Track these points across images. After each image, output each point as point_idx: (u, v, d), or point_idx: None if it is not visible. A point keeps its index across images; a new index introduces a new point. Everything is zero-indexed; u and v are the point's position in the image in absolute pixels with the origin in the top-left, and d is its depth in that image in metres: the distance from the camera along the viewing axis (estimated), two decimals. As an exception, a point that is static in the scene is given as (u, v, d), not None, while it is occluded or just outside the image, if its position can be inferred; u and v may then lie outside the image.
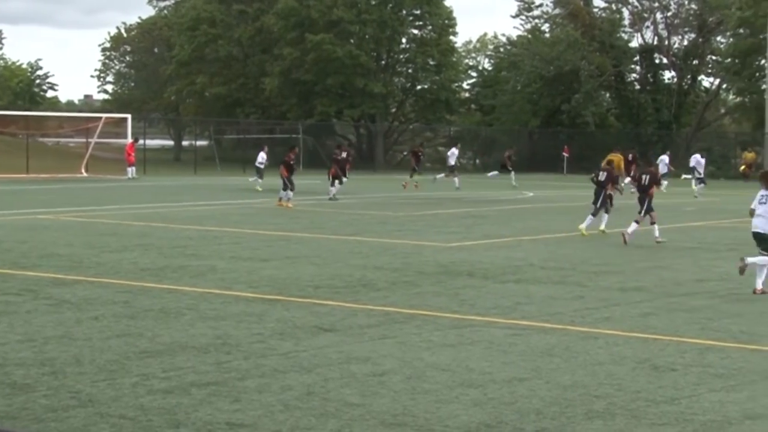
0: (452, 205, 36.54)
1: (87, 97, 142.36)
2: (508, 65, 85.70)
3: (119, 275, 16.64)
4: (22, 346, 11.06)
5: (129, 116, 61.50)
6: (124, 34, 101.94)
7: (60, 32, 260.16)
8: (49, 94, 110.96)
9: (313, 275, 17.00)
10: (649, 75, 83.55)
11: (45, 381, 9.56)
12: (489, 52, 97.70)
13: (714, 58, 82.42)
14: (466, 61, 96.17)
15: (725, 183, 60.23)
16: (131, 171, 53.59)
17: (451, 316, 13.46)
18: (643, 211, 23.65)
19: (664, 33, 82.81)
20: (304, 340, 11.72)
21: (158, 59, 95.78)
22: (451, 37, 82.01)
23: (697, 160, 47.17)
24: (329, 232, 25.07)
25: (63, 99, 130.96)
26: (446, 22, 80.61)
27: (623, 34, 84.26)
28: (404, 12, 79.20)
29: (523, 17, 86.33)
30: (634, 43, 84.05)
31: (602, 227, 25.41)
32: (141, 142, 60.33)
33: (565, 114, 78.72)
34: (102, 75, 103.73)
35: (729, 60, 76.63)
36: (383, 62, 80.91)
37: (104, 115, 66.03)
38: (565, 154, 72.86)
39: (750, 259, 16.00)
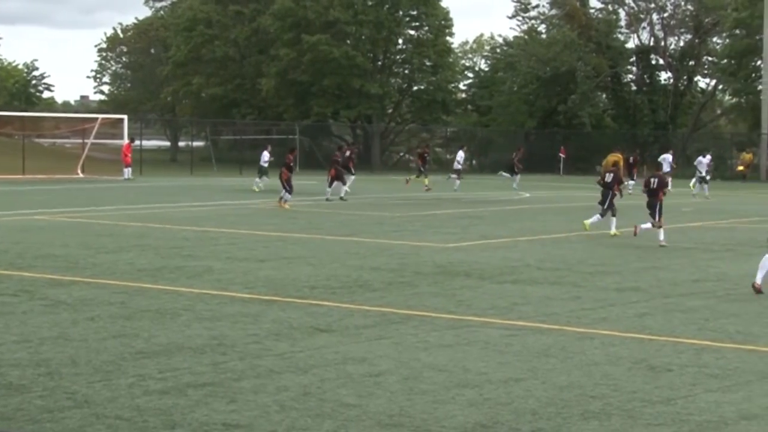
0: (449, 205, 36.55)
1: (83, 97, 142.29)
2: (504, 66, 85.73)
3: (115, 276, 16.63)
4: (17, 347, 11.05)
5: (125, 117, 61.47)
6: (121, 35, 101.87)
7: (56, 32, 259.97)
8: (46, 94, 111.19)
9: (310, 276, 17.00)
10: (645, 76, 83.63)
11: (41, 382, 9.55)
12: (485, 53, 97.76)
13: (710, 59, 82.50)
14: (463, 61, 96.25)
15: (722, 184, 60.24)
16: (127, 172, 53.55)
17: (448, 316, 13.46)
18: (658, 217, 23.64)
19: (661, 34, 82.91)
20: (301, 340, 11.72)
21: (155, 60, 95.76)
22: (448, 38, 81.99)
23: (699, 160, 47.30)
24: (326, 232, 25.07)
25: (59, 99, 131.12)
26: (443, 22, 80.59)
27: (620, 35, 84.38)
28: (401, 13, 79.19)
29: (520, 18, 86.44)
30: (631, 44, 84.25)
31: (613, 230, 25.32)
32: (137, 142, 60.22)
33: (562, 115, 78.78)
34: (98, 75, 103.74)
35: (725, 61, 76.74)
36: (380, 63, 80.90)
37: (100, 116, 65.94)
38: (562, 155, 72.92)
39: None
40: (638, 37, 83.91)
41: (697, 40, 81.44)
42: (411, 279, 16.93)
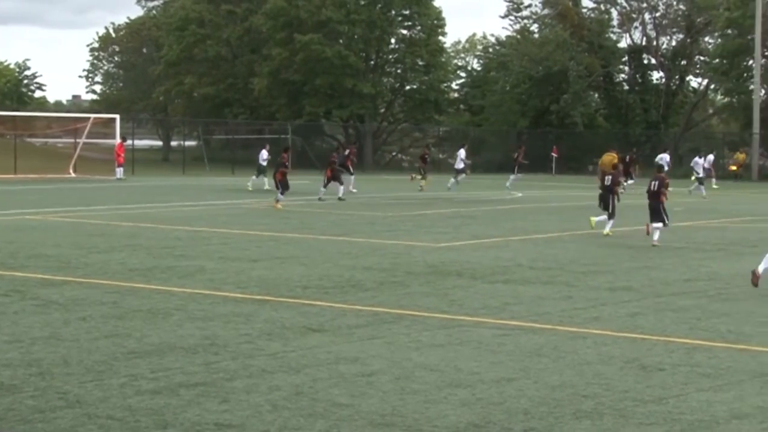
0: (441, 205, 36.56)
1: (75, 97, 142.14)
2: (497, 65, 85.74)
3: (107, 276, 16.61)
4: (9, 347, 11.03)
5: (117, 116, 61.37)
6: (113, 34, 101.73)
7: (48, 32, 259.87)
8: (37, 94, 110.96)
9: (302, 276, 16.99)
10: (637, 75, 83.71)
11: (32, 382, 9.54)
12: (478, 53, 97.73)
13: (702, 58, 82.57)
14: (455, 61, 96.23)
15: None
16: (119, 172, 53.48)
17: (440, 316, 13.46)
18: (667, 218, 23.62)
19: (653, 33, 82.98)
20: (293, 340, 11.71)
21: (147, 59, 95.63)
22: (440, 38, 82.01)
23: (696, 161, 47.56)
24: (318, 232, 25.06)
25: (51, 99, 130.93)
26: (435, 22, 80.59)
27: (612, 35, 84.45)
28: (393, 12, 79.17)
29: (512, 18, 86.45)
30: (623, 44, 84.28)
31: (606, 230, 25.37)
32: (129, 142, 60.13)
33: (554, 114, 78.81)
34: (90, 75, 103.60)
35: (717, 60, 76.80)
36: (372, 62, 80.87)
37: (92, 116, 65.87)
38: (554, 155, 72.97)
39: None
40: (630, 36, 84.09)
41: (689, 40, 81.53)
42: (403, 279, 16.93)
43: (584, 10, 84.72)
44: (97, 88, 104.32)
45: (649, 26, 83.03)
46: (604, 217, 25.70)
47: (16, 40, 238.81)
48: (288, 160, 35.31)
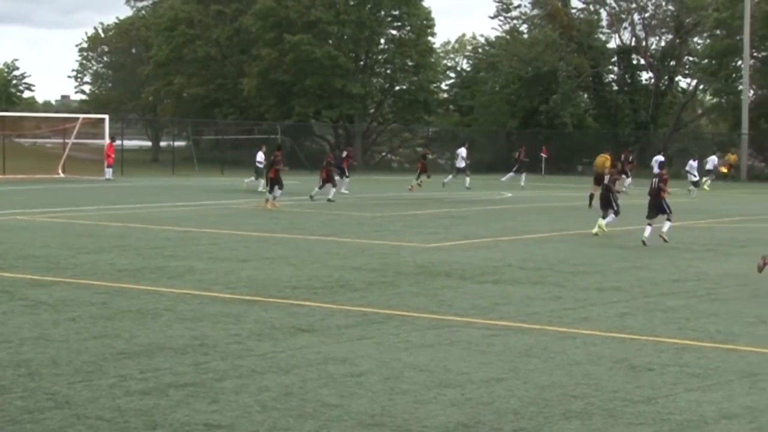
0: (431, 205, 36.56)
1: (64, 97, 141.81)
2: (486, 66, 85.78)
3: (96, 276, 16.58)
4: (-2, 348, 11.01)
5: (107, 117, 61.24)
6: (102, 35, 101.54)
7: (37, 32, 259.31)
8: (26, 94, 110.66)
9: (291, 276, 16.98)
10: (626, 76, 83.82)
11: (21, 382, 9.51)
12: (467, 53, 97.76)
13: (691, 59, 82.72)
14: (445, 61, 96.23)
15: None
16: (108, 172, 53.39)
17: (430, 316, 13.47)
18: (670, 212, 23.80)
19: (642, 34, 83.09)
20: (282, 340, 11.71)
21: (136, 60, 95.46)
22: (430, 38, 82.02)
23: (690, 164, 47.86)
24: (307, 232, 25.05)
25: (40, 99, 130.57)
26: (425, 22, 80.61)
27: (601, 35, 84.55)
28: (383, 13, 79.18)
29: (502, 18, 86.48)
30: (612, 44, 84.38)
31: (596, 229, 25.42)
32: (118, 142, 60.01)
33: (543, 115, 78.88)
34: (79, 75, 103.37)
35: (706, 61, 76.94)
36: (362, 63, 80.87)
37: (81, 116, 65.70)
38: (544, 155, 73.03)
39: None
40: (619, 37, 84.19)
41: (678, 41, 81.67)
42: (392, 279, 16.93)
43: (573, 11, 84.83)
44: (86, 88, 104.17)
45: (638, 27, 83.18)
46: (611, 217, 25.75)
47: (4, 40, 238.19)
48: (282, 157, 35.22)
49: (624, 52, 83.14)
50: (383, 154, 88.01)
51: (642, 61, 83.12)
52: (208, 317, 13.02)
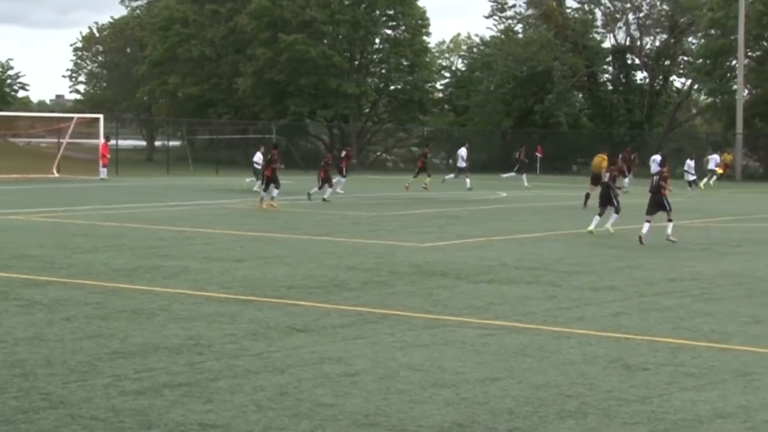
0: (426, 205, 36.57)
1: (59, 97, 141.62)
2: (481, 66, 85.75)
3: (91, 276, 16.57)
4: (-8, 348, 11.00)
5: (101, 116, 61.13)
6: (97, 34, 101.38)
7: (31, 32, 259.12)
8: (21, 94, 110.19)
9: (286, 276, 16.98)
10: (621, 75, 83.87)
11: (15, 383, 9.50)
12: (462, 53, 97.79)
13: (685, 58, 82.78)
14: (440, 61, 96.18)
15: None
16: (103, 172, 53.33)
17: (425, 316, 13.47)
18: (669, 209, 23.92)
19: (636, 34, 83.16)
20: (277, 340, 11.70)
21: (130, 59, 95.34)
22: (425, 38, 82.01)
23: (688, 163, 47.94)
24: (302, 232, 25.04)
25: (34, 99, 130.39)
26: (419, 22, 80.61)
27: (596, 35, 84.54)
28: (377, 12, 79.16)
29: (496, 18, 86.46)
30: (607, 44, 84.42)
31: (591, 227, 25.48)
32: (113, 142, 59.94)
33: (538, 114, 78.86)
34: (74, 75, 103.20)
35: (700, 61, 76.97)
36: (356, 62, 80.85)
37: (76, 116, 65.59)
38: (538, 155, 73.03)
39: None
40: (614, 36, 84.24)
41: (672, 40, 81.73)
42: (387, 279, 16.93)
43: (568, 11, 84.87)
44: (81, 87, 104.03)
45: (633, 26, 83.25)
46: (615, 217, 25.79)
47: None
48: (276, 156, 35.19)
49: (619, 51, 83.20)
50: (378, 153, 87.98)
51: (637, 61, 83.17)
52: (203, 317, 13.01)
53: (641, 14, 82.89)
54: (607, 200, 26.15)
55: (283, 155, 70.78)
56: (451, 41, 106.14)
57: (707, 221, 30.52)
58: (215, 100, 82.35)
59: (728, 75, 75.01)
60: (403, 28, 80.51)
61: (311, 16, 74.49)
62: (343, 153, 45.34)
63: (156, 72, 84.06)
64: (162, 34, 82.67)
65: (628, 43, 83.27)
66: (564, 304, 14.66)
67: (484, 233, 25.63)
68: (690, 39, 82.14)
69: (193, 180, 54.90)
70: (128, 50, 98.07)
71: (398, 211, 32.97)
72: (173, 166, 67.17)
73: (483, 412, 8.84)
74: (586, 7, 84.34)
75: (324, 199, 36.78)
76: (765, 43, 75.17)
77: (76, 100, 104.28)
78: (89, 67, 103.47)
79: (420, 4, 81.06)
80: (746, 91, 73.94)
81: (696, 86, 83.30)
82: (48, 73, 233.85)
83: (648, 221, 23.80)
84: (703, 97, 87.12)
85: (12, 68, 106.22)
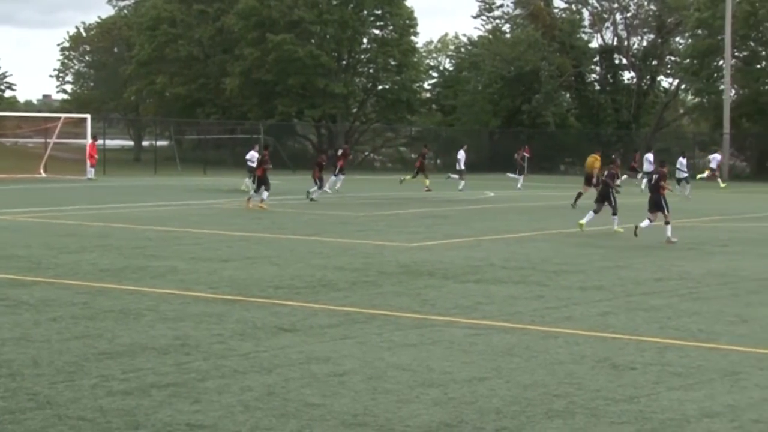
0: (413, 205, 36.58)
1: (46, 97, 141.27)
2: (468, 65, 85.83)
3: (78, 276, 16.53)
4: (-21, 348, 10.96)
5: (88, 116, 60.99)
6: (84, 34, 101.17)
7: (18, 31, 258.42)
8: (7, 93, 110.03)
9: (274, 276, 16.96)
10: (608, 75, 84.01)
11: (2, 383, 9.47)
12: (450, 53, 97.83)
13: (673, 58, 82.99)
14: (427, 61, 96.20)
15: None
16: (91, 172, 53.23)
17: (412, 316, 13.47)
18: (667, 210, 24.01)
19: (624, 34, 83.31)
20: (265, 340, 11.69)
21: (118, 59, 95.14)
22: (412, 38, 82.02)
23: (681, 161, 48.04)
24: (290, 232, 25.02)
25: (21, 99, 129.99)
26: (407, 22, 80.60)
27: (583, 35, 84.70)
28: (365, 12, 79.16)
29: (484, 18, 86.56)
30: (594, 44, 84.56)
31: (583, 221, 25.63)
32: (100, 141, 59.81)
33: (526, 114, 78.95)
34: (61, 75, 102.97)
35: (687, 61, 77.17)
36: (344, 62, 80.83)
37: (63, 115, 65.49)
38: (526, 155, 73.07)
39: None
40: (602, 36, 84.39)
41: (659, 40, 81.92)
42: (375, 278, 16.93)
43: (556, 11, 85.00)
44: (68, 87, 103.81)
45: (620, 26, 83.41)
46: (616, 218, 25.91)
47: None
48: (267, 157, 35.22)
49: (606, 51, 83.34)
50: (366, 153, 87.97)
51: (624, 61, 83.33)
52: (191, 317, 12.99)
53: (629, 14, 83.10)
54: (605, 198, 26.26)
55: (271, 155, 70.94)
56: (439, 41, 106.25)
57: (694, 221, 30.56)
58: (203, 100, 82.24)
59: (715, 75, 75.19)
60: (391, 28, 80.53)
61: (299, 16, 74.47)
62: (340, 151, 45.24)
63: (143, 72, 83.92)
64: (149, 33, 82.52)
65: (615, 43, 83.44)
66: (551, 304, 14.68)
67: (471, 233, 25.65)
68: (677, 39, 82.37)
69: (180, 180, 54.82)
70: (115, 50, 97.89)
71: (386, 210, 32.98)
72: (161, 166, 67.09)
73: (470, 412, 8.84)
74: (574, 7, 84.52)
75: (311, 199, 36.81)
76: (752, 44, 75.37)
77: (63, 100, 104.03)
78: (76, 67, 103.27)
79: (408, 4, 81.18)
80: (733, 91, 74.15)
81: (683, 86, 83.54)
82: (35, 73, 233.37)
83: (650, 219, 24.00)
84: (690, 97, 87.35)
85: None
